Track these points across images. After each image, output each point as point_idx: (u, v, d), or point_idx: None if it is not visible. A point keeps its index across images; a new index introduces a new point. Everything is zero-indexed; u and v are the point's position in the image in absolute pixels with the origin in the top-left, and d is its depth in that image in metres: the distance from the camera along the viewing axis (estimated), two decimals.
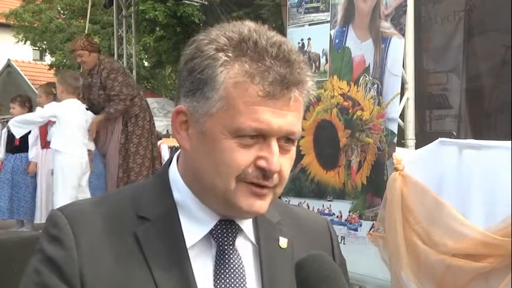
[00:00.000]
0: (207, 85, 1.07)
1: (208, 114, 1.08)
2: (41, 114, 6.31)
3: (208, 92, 1.07)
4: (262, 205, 1.10)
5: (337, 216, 4.06)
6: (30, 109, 7.50)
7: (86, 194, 6.04)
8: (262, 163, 1.07)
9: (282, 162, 1.09)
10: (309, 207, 4.07)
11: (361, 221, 3.92)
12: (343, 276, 1.02)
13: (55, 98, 6.61)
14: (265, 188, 1.09)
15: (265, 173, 1.08)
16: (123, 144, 6.44)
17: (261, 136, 1.07)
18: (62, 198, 5.77)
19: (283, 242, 1.19)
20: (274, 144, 1.07)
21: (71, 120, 6.05)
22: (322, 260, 1.02)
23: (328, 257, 1.04)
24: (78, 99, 6.29)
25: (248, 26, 1.10)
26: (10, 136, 7.59)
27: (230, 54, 1.06)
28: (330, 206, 4.12)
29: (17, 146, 7.47)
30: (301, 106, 1.10)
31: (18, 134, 6.50)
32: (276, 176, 1.09)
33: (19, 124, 6.37)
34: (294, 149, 1.13)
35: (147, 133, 6.53)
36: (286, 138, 1.09)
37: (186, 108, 1.11)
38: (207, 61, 1.07)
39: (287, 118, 1.07)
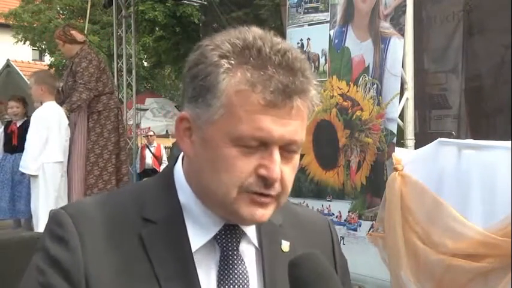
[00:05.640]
0: (209, 92, 1.06)
1: (210, 122, 1.07)
2: (39, 140, 5.92)
3: (211, 100, 1.06)
4: (264, 214, 1.09)
5: (337, 216, 4.06)
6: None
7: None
8: (262, 171, 1.06)
9: (284, 171, 1.08)
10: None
11: (360, 221, 3.92)
12: (336, 275, 1.02)
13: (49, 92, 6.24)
14: (268, 197, 1.08)
15: (267, 182, 1.06)
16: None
17: (263, 144, 1.06)
18: (45, 202, 5.79)
19: (285, 245, 1.19)
20: (276, 153, 1.06)
21: (55, 129, 5.97)
22: (316, 258, 1.02)
23: (321, 256, 1.03)
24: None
25: (253, 33, 1.08)
26: (8, 136, 7.59)
27: (233, 62, 1.05)
28: (329, 206, 4.13)
29: (15, 145, 7.47)
30: (304, 115, 1.08)
31: (36, 170, 5.98)
32: (277, 184, 1.08)
33: (32, 162, 5.93)
34: (297, 158, 1.11)
35: (107, 133, 6.33)
36: (288, 147, 1.08)
37: (189, 115, 1.10)
38: (210, 68, 1.06)
39: (289, 127, 1.05)
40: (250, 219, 1.10)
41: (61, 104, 6.22)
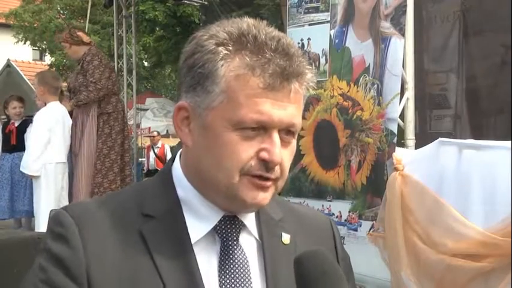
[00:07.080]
0: (208, 79, 1.08)
1: (210, 108, 1.09)
2: (40, 140, 5.99)
3: (210, 86, 1.08)
4: (265, 197, 1.11)
5: (337, 216, 4.06)
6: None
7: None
8: (264, 155, 1.08)
9: (282, 155, 1.10)
10: None
11: (360, 221, 3.92)
12: (342, 273, 1.03)
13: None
14: (268, 180, 1.10)
15: (268, 165, 1.08)
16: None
17: (262, 128, 1.08)
18: (47, 203, 5.82)
19: (285, 238, 1.20)
20: (276, 136, 1.08)
21: (58, 130, 6.03)
22: (321, 255, 1.03)
23: (326, 253, 1.04)
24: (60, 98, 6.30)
25: (247, 22, 1.12)
26: (6, 136, 7.60)
27: (230, 48, 1.08)
28: (330, 206, 4.12)
29: (14, 145, 7.47)
30: (301, 98, 1.11)
31: (36, 171, 6.03)
32: (277, 168, 1.10)
33: (33, 163, 5.97)
34: (294, 142, 1.14)
35: (115, 134, 6.44)
36: (286, 131, 1.10)
37: (188, 104, 1.12)
38: (208, 55, 1.09)
39: (287, 110, 1.08)
40: (252, 203, 1.11)
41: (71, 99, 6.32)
